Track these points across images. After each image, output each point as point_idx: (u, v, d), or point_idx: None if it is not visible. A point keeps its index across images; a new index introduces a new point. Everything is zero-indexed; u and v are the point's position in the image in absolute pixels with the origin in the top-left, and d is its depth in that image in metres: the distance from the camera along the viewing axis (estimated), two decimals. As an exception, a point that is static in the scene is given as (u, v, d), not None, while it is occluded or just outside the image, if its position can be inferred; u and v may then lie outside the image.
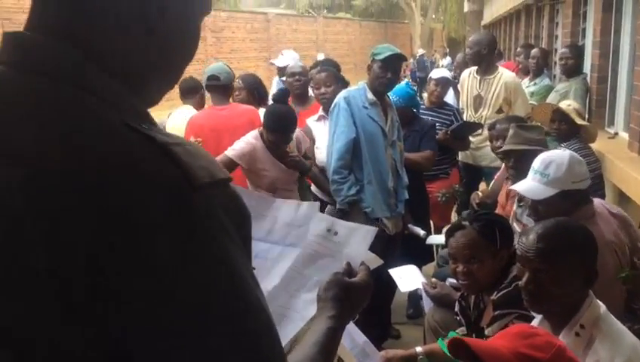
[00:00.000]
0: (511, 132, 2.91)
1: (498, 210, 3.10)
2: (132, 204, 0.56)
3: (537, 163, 2.26)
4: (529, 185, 2.26)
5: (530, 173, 2.28)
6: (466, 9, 21.43)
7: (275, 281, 1.05)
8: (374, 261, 1.14)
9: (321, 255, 1.10)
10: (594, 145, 3.74)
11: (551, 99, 4.63)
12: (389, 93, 3.33)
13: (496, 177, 3.66)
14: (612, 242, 2.11)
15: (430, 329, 2.49)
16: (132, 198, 0.56)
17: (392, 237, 3.22)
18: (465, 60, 5.51)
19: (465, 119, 4.40)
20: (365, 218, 3.07)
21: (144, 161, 0.58)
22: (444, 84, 4.45)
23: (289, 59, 5.15)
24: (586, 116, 4.40)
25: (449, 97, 5.21)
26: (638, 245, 2.25)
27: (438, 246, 3.75)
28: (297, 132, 3.16)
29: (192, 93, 4.23)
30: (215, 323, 0.57)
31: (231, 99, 3.85)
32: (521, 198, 2.68)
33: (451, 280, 2.56)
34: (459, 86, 5.04)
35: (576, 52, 4.93)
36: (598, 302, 1.63)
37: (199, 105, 4.19)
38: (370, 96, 3.11)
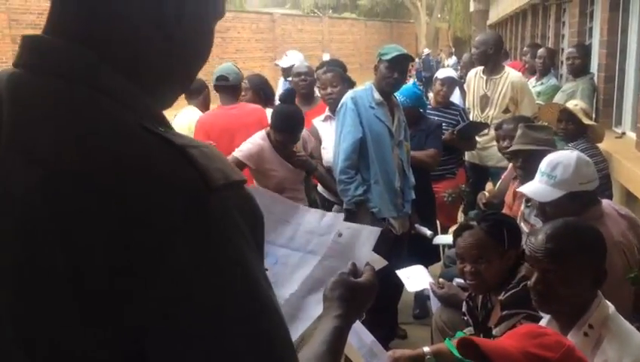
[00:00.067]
0: (519, 132, 2.90)
1: (505, 210, 3.09)
2: (150, 206, 0.56)
3: (544, 164, 2.24)
4: (536, 188, 2.25)
5: (537, 175, 2.27)
6: (471, 8, 21.40)
7: (294, 288, 1.05)
8: (379, 262, 1.15)
9: (326, 256, 1.10)
10: (601, 145, 3.73)
11: (558, 98, 4.62)
12: (395, 93, 3.34)
13: (503, 177, 3.65)
14: (620, 243, 2.10)
15: (437, 329, 2.49)
16: (150, 200, 0.56)
17: (399, 238, 3.22)
18: (471, 60, 5.50)
19: (471, 119, 4.39)
20: (372, 218, 3.07)
21: (162, 163, 0.58)
22: (450, 83, 4.45)
23: (293, 59, 5.15)
24: (594, 116, 4.38)
25: (455, 97, 5.20)
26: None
27: (444, 246, 3.74)
28: (303, 131, 3.17)
29: (196, 93, 4.26)
30: (231, 324, 0.58)
31: (237, 100, 3.87)
32: (528, 199, 2.68)
33: (458, 280, 2.56)
34: (465, 86, 5.03)
35: (584, 51, 4.91)
36: (607, 302, 1.63)
37: (203, 106, 4.21)
38: (376, 96, 3.11)
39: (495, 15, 16.98)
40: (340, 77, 3.64)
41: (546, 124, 3.83)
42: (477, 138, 4.28)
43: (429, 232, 3.47)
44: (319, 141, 3.49)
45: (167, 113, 0.72)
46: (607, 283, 1.65)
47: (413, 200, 3.31)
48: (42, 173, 0.58)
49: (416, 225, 3.45)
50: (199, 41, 0.72)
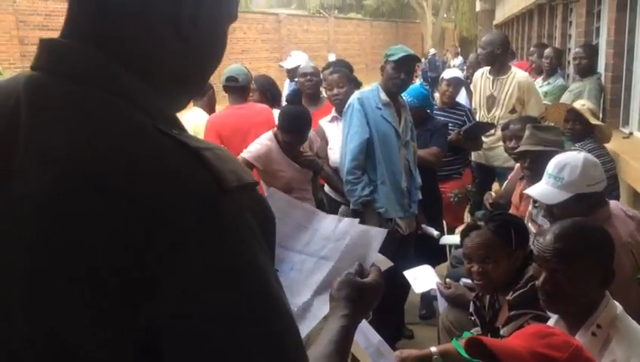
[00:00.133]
0: (527, 132, 2.89)
1: (512, 211, 3.09)
2: (163, 206, 0.57)
3: (551, 166, 2.23)
4: (543, 190, 2.24)
5: (544, 177, 2.26)
6: (477, 8, 21.32)
7: (307, 296, 1.05)
8: (384, 263, 1.15)
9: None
10: (608, 145, 3.72)
11: (565, 98, 4.60)
12: (403, 93, 3.34)
13: (509, 177, 3.65)
14: (629, 243, 2.10)
15: (444, 330, 2.50)
16: (163, 201, 0.57)
17: (406, 238, 3.23)
18: (477, 60, 5.49)
19: (478, 119, 4.39)
20: (379, 218, 3.08)
21: (176, 165, 0.59)
22: (456, 84, 4.44)
23: (298, 60, 5.16)
24: (601, 116, 4.37)
25: (461, 97, 5.20)
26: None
27: (451, 246, 3.74)
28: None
29: (200, 95, 4.28)
30: (244, 325, 0.58)
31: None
32: (536, 199, 2.67)
33: (465, 280, 2.56)
34: (471, 86, 5.03)
35: (590, 51, 4.89)
36: (615, 302, 1.63)
37: (208, 107, 4.23)
38: (383, 96, 3.12)
39: (501, 15, 16.93)
40: (347, 78, 3.65)
41: (553, 124, 3.83)
42: (483, 138, 4.27)
43: (435, 232, 3.47)
44: (326, 142, 3.50)
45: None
46: (615, 284, 1.65)
47: (420, 201, 3.32)
48: (56, 174, 0.59)
49: (423, 226, 3.45)
50: (213, 43, 0.73)
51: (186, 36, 0.68)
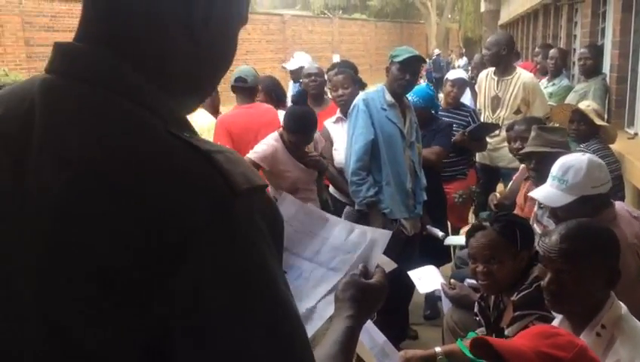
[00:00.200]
0: (533, 134, 2.89)
1: (516, 212, 3.09)
2: (174, 208, 0.58)
3: (556, 168, 2.23)
4: (547, 192, 2.23)
5: (549, 179, 2.25)
6: (482, 9, 21.31)
7: (312, 304, 1.05)
8: (389, 264, 1.15)
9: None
10: (613, 146, 3.71)
11: (570, 99, 4.60)
12: (408, 94, 3.35)
13: (514, 178, 3.65)
14: (634, 244, 2.09)
15: (449, 330, 2.50)
16: (174, 203, 0.58)
17: (411, 238, 3.23)
18: (482, 61, 5.49)
19: (482, 120, 4.39)
20: (384, 219, 3.09)
21: (187, 167, 0.60)
22: (460, 85, 4.44)
23: (300, 61, 5.17)
24: (606, 116, 4.36)
25: (466, 98, 5.19)
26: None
27: (455, 247, 3.74)
28: None
29: None
30: (253, 326, 0.59)
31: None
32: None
33: (470, 281, 2.56)
34: (476, 87, 5.02)
35: (596, 52, 4.89)
36: (620, 302, 1.63)
37: (212, 108, 4.27)
38: (388, 97, 3.12)
39: (506, 15, 16.90)
40: (351, 78, 3.66)
41: (558, 125, 3.82)
42: (488, 139, 4.27)
43: (440, 233, 3.48)
44: (330, 142, 3.51)
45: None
46: (621, 284, 1.65)
47: (425, 202, 3.32)
48: (69, 175, 0.60)
49: (428, 226, 3.46)
50: (224, 45, 0.73)
51: (198, 38, 0.68)
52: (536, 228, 2.59)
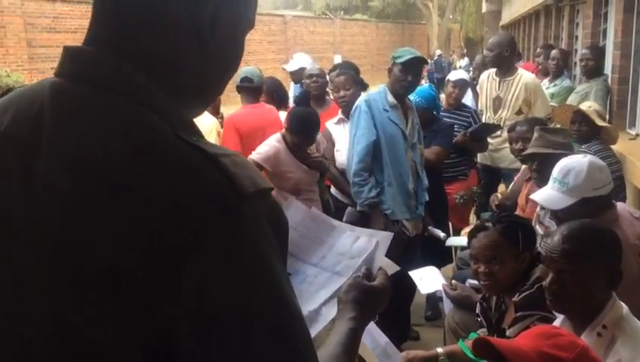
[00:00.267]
0: (536, 135, 2.89)
1: (517, 212, 3.09)
2: (180, 210, 0.58)
3: (556, 171, 2.22)
4: (548, 195, 2.23)
5: (550, 181, 2.25)
6: (484, 9, 21.31)
7: (315, 306, 1.05)
8: (391, 267, 1.16)
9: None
10: (615, 147, 3.71)
11: (571, 100, 4.60)
12: (411, 94, 3.35)
13: (515, 179, 3.65)
14: (636, 245, 2.10)
15: (450, 331, 2.51)
16: (181, 205, 0.58)
17: (412, 239, 3.24)
18: (484, 62, 5.49)
19: (484, 121, 4.39)
20: (385, 220, 3.09)
21: (194, 171, 0.60)
22: (462, 86, 4.45)
23: (300, 62, 5.17)
24: (607, 117, 4.36)
25: (467, 99, 5.20)
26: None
27: (457, 248, 3.75)
28: None
29: None
30: (258, 327, 0.60)
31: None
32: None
33: (471, 281, 2.57)
34: (478, 88, 5.03)
35: (597, 53, 4.89)
36: (621, 303, 1.64)
37: (212, 109, 4.31)
38: (390, 98, 3.13)
39: (508, 16, 16.89)
40: (353, 80, 3.67)
41: (559, 125, 3.82)
42: (489, 140, 4.28)
43: (442, 234, 3.48)
44: (332, 143, 3.52)
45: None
46: (622, 285, 1.66)
47: (426, 202, 3.32)
48: (76, 177, 0.61)
49: (429, 227, 3.46)
50: (231, 49, 0.74)
51: (205, 42, 0.69)
52: (539, 230, 2.59)
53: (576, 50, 7.15)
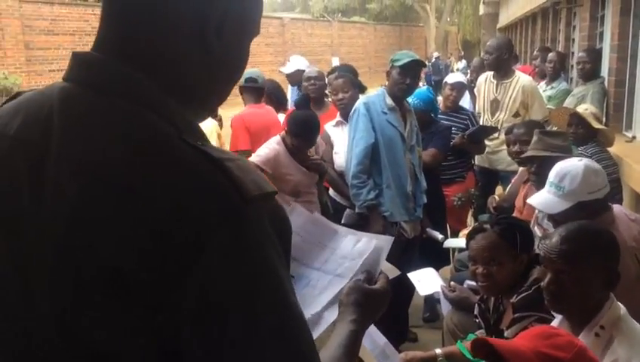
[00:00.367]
0: (535, 138, 2.89)
1: (515, 214, 3.10)
2: (185, 213, 0.59)
3: (552, 175, 2.23)
4: (544, 199, 2.24)
5: (546, 185, 2.26)
6: (481, 12, 21.35)
7: (317, 309, 1.06)
8: (392, 271, 1.16)
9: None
10: (612, 149, 3.73)
11: (568, 103, 4.62)
12: (409, 96, 3.37)
13: (513, 181, 3.67)
14: (633, 248, 2.10)
15: (449, 332, 2.52)
16: (185, 208, 0.59)
17: (411, 241, 3.25)
18: (482, 64, 5.51)
19: (481, 123, 4.41)
20: (384, 222, 3.10)
21: (198, 174, 0.61)
22: (459, 88, 4.46)
23: (297, 64, 5.18)
24: (604, 120, 4.38)
25: (465, 101, 5.22)
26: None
27: (454, 249, 3.76)
28: None
29: None
30: (261, 329, 0.61)
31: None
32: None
33: (469, 283, 2.58)
34: (475, 90, 5.05)
35: (594, 56, 4.91)
36: (619, 303, 1.65)
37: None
38: (389, 101, 3.15)
39: (505, 18, 16.93)
40: (351, 82, 3.68)
41: (556, 128, 3.84)
42: (487, 142, 4.30)
43: (440, 236, 3.50)
44: (331, 146, 3.53)
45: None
46: (620, 287, 1.67)
47: (424, 204, 3.34)
48: (83, 181, 0.62)
49: (428, 229, 3.47)
50: (236, 55, 0.75)
51: (211, 48, 0.70)
52: (537, 231, 2.60)
53: (573, 52, 7.17)
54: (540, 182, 2.63)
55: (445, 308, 2.68)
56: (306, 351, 0.64)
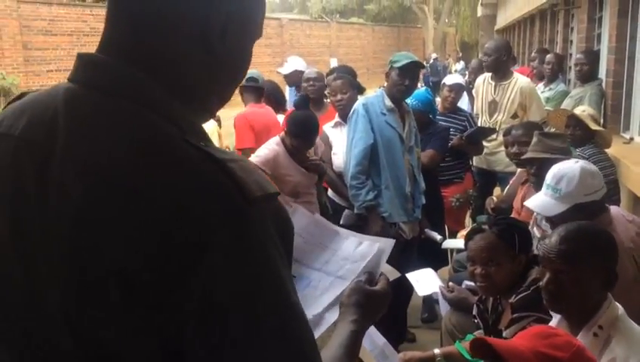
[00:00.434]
0: (535, 139, 2.90)
1: (513, 215, 3.12)
2: (188, 213, 0.60)
3: (549, 177, 2.24)
4: (541, 201, 2.25)
5: (543, 188, 2.27)
6: (479, 13, 21.38)
7: (319, 310, 1.07)
8: (392, 273, 1.17)
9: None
10: (609, 151, 3.74)
11: (566, 104, 4.64)
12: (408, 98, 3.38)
13: (511, 182, 3.68)
14: (630, 249, 2.11)
15: (447, 332, 2.53)
16: (188, 208, 0.60)
17: (409, 242, 3.26)
18: (480, 66, 5.53)
19: (480, 124, 4.43)
20: (383, 223, 3.11)
21: (201, 175, 0.62)
22: (457, 90, 4.48)
23: (294, 65, 5.19)
24: (602, 121, 4.39)
25: (463, 103, 5.23)
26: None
27: (453, 250, 3.77)
28: None
29: None
30: (264, 328, 0.61)
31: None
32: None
33: (468, 283, 2.59)
34: (474, 92, 5.06)
35: (592, 58, 4.93)
36: (617, 304, 1.66)
37: None
38: (388, 102, 3.16)
39: (503, 20, 16.95)
40: (350, 83, 3.68)
41: (554, 129, 3.86)
42: (485, 143, 4.31)
43: (438, 237, 3.51)
44: (329, 147, 3.54)
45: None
46: (618, 288, 1.68)
47: (423, 205, 3.35)
48: (88, 181, 0.62)
49: (426, 230, 3.48)
50: (239, 58, 0.76)
51: (214, 50, 0.71)
52: (536, 232, 2.61)
53: (570, 54, 7.19)
54: (539, 184, 2.63)
55: (444, 308, 2.69)
56: (307, 351, 0.65)
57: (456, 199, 4.02)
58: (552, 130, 3.88)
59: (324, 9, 31.82)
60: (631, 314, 1.70)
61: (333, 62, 17.36)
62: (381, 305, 1.03)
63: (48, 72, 12.87)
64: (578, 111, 3.69)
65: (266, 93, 4.23)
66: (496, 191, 4.52)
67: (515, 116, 4.35)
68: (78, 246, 0.61)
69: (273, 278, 0.63)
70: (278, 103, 4.38)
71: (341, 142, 3.38)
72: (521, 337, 1.44)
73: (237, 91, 3.95)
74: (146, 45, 0.69)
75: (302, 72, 4.60)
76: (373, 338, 1.72)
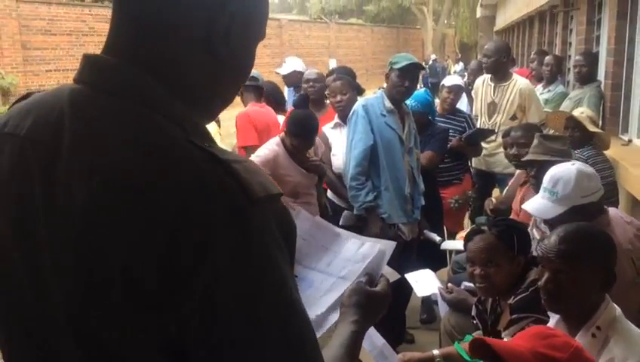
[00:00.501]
0: (535, 142, 2.90)
1: (512, 216, 3.12)
2: (191, 213, 0.60)
3: (546, 180, 2.25)
4: (539, 204, 2.26)
5: (541, 191, 2.28)
6: (478, 14, 21.38)
7: (321, 310, 1.08)
8: (392, 275, 1.18)
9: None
10: (608, 152, 3.75)
11: (564, 106, 4.65)
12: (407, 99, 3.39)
13: (510, 183, 3.69)
14: (629, 250, 2.12)
15: (446, 333, 2.53)
16: (192, 208, 0.60)
17: (408, 243, 3.26)
18: (480, 67, 5.53)
19: (479, 126, 4.44)
20: (382, 224, 3.12)
21: (205, 175, 0.62)
22: (457, 91, 4.48)
23: (292, 66, 5.19)
24: (600, 123, 4.40)
25: (462, 104, 5.23)
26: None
27: (452, 251, 3.78)
28: None
29: None
30: (266, 327, 0.62)
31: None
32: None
33: (467, 284, 2.60)
34: (473, 93, 5.07)
35: (591, 60, 4.94)
36: (614, 304, 1.67)
37: None
38: (387, 104, 3.16)
39: (502, 21, 16.96)
40: (349, 85, 3.69)
41: (553, 131, 3.87)
42: (484, 144, 4.32)
43: (437, 238, 3.51)
44: (329, 148, 3.54)
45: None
46: (616, 289, 1.69)
47: (422, 206, 3.35)
48: (93, 183, 0.63)
49: (425, 231, 3.49)
50: (243, 59, 0.76)
51: (218, 52, 0.71)
52: (535, 234, 2.62)
53: (569, 56, 7.21)
54: (539, 186, 2.64)
55: (443, 309, 2.69)
56: (308, 352, 0.65)
57: (455, 200, 4.03)
58: (551, 131, 3.89)
59: (323, 10, 31.82)
60: (629, 315, 1.71)
61: (332, 63, 17.36)
62: (381, 306, 1.04)
63: (47, 71, 12.86)
64: (577, 112, 3.70)
65: (266, 94, 4.23)
66: (495, 192, 4.53)
67: (514, 118, 4.36)
68: (84, 246, 0.62)
69: (275, 279, 0.63)
70: (277, 104, 4.39)
71: (340, 144, 3.39)
72: (520, 338, 1.44)
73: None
74: (150, 47, 0.69)
75: (300, 73, 4.62)
76: (373, 339, 1.73)
